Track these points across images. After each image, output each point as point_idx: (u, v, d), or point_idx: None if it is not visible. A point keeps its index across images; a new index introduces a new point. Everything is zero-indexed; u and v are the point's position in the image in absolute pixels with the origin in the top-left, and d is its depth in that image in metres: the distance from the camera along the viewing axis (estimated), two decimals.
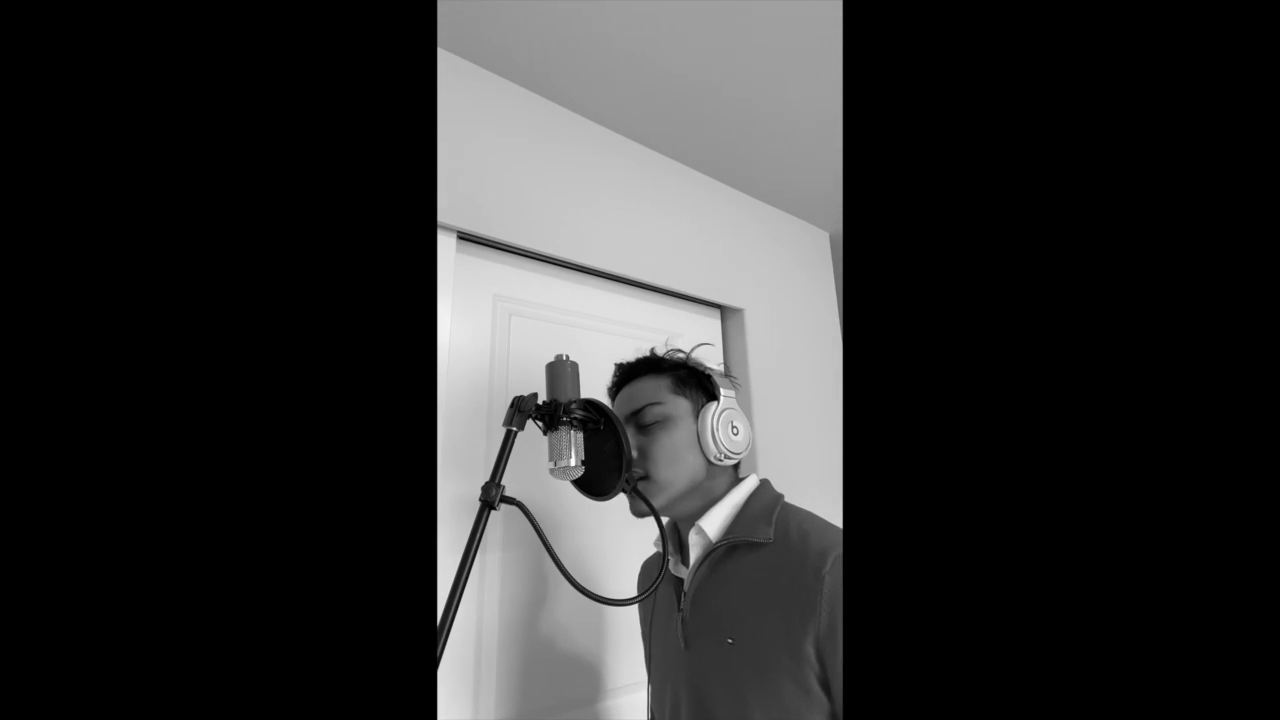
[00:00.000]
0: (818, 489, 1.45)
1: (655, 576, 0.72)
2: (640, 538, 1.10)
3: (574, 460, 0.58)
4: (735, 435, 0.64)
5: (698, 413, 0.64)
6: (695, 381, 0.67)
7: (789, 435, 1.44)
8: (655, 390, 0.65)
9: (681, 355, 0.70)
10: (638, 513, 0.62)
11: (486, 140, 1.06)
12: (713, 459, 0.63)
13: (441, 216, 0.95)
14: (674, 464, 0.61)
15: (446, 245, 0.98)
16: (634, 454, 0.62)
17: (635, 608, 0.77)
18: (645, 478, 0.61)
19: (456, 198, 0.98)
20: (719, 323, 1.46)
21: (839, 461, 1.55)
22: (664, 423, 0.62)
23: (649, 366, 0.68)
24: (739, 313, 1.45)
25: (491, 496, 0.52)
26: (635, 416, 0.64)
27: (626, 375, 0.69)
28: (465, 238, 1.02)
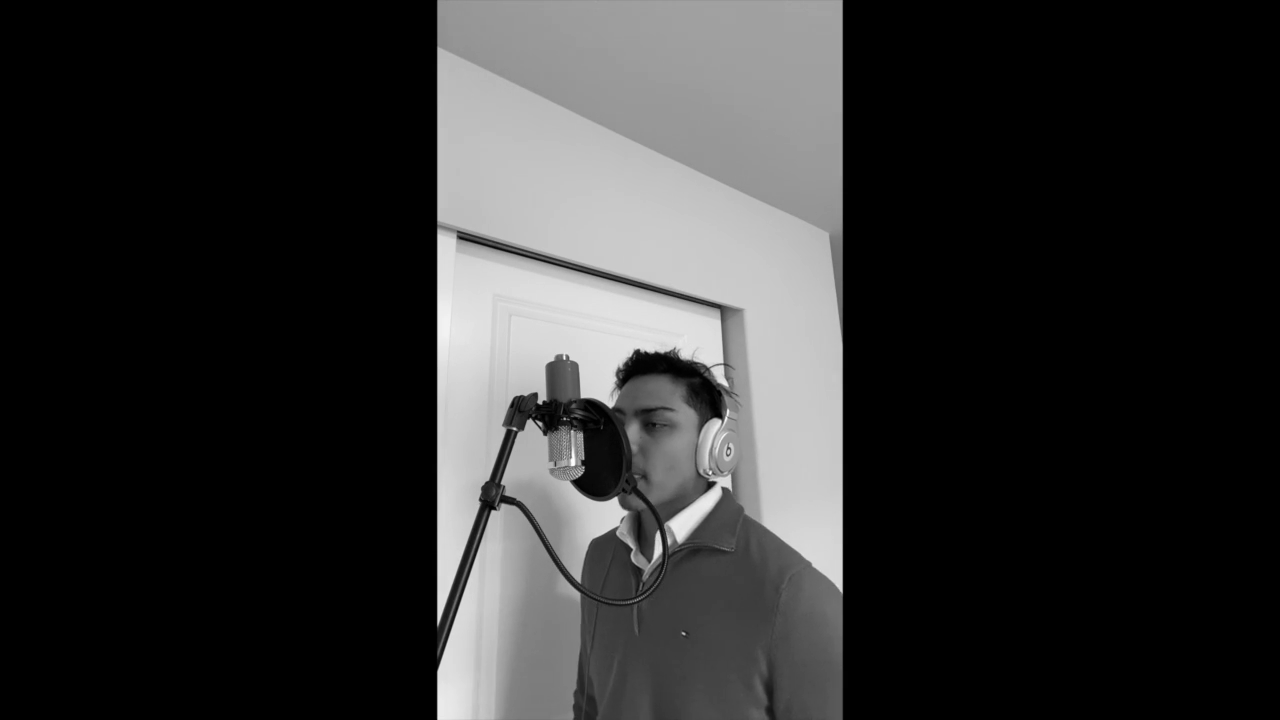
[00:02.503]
0: (817, 489, 1.45)
1: (606, 560, 0.76)
2: None
3: (574, 460, 0.59)
4: (728, 456, 0.68)
5: (701, 425, 0.68)
6: (707, 396, 0.70)
7: (789, 435, 1.44)
8: (670, 395, 0.67)
9: (701, 366, 0.73)
10: (625, 505, 0.66)
11: (486, 140, 1.06)
12: (702, 472, 0.67)
13: (441, 216, 0.95)
14: (671, 469, 0.65)
15: (446, 245, 0.98)
16: (633, 449, 0.64)
17: (582, 580, 0.80)
18: (642, 476, 0.64)
19: (456, 198, 0.98)
20: (719, 323, 1.46)
21: (839, 461, 1.55)
22: (671, 428, 0.66)
23: (668, 366, 0.70)
24: (739, 313, 1.45)
25: (491, 496, 0.52)
26: (645, 414, 0.66)
27: (643, 367, 0.71)
28: (465, 238, 1.02)
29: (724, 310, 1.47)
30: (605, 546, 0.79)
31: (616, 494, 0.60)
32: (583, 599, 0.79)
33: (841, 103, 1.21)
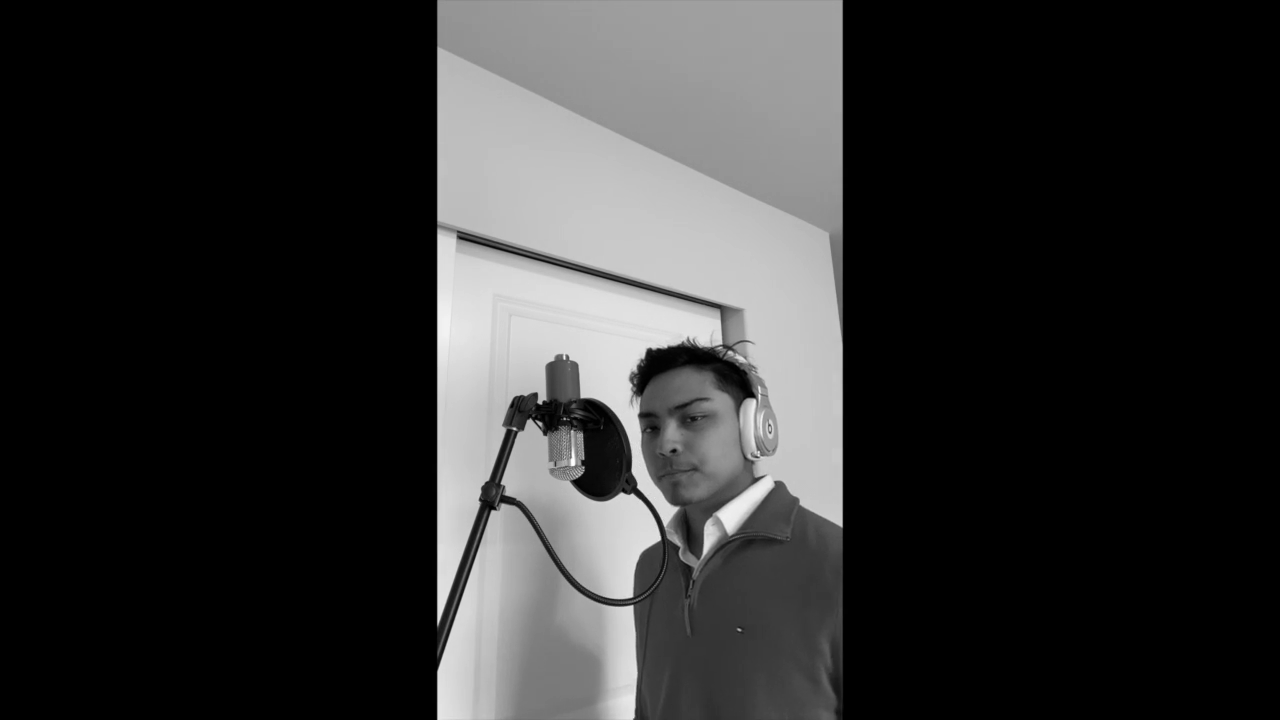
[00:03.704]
0: (817, 489, 1.45)
1: (658, 568, 0.73)
2: (639, 537, 1.10)
3: (574, 460, 0.59)
4: (771, 434, 0.66)
5: (738, 409, 0.66)
6: (736, 378, 0.68)
7: (788, 435, 1.43)
8: (701, 384, 0.65)
9: (722, 349, 0.70)
10: (676, 503, 0.64)
11: (486, 140, 1.06)
12: (750, 455, 0.65)
13: (441, 216, 0.95)
14: (724, 458, 0.63)
15: (446, 245, 0.98)
16: (678, 448, 0.62)
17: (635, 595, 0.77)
18: (695, 469, 0.62)
19: (456, 198, 0.98)
20: (719, 323, 1.46)
21: (839, 461, 1.55)
22: (711, 418, 0.64)
23: (689, 356, 0.68)
24: (739, 313, 1.45)
25: (491, 496, 0.52)
26: (682, 409, 0.64)
27: (662, 363, 0.68)
28: (465, 238, 1.02)
29: (724, 310, 1.47)
30: (655, 555, 0.77)
31: (616, 493, 0.60)
32: (636, 624, 0.75)
33: (841, 103, 1.21)
